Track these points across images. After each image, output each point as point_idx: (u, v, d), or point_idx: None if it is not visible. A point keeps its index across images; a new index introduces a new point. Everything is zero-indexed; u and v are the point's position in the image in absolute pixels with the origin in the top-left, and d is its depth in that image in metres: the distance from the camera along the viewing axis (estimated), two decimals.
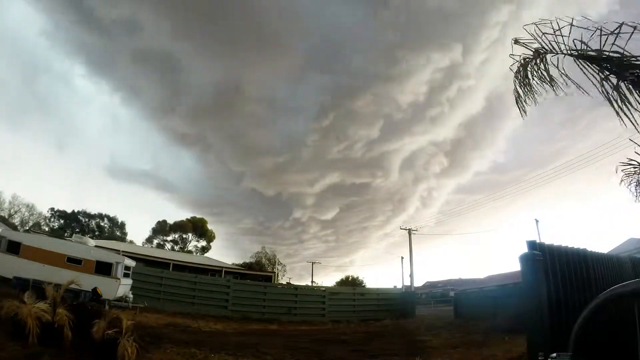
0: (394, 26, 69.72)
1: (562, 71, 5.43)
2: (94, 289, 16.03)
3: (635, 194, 7.83)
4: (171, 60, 78.64)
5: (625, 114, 4.73)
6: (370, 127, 78.54)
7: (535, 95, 5.78)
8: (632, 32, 4.65)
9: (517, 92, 5.97)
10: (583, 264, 6.85)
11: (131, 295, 18.96)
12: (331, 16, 78.62)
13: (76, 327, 9.19)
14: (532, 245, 6.02)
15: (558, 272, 6.00)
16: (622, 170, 7.81)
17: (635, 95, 4.84)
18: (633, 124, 4.72)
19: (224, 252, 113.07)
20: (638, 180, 7.52)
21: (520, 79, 5.90)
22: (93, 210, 68.87)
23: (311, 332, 20.75)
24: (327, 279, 75.51)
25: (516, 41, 5.69)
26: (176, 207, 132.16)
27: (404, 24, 69.87)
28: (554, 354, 3.04)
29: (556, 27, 5.35)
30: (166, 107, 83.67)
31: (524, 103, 5.95)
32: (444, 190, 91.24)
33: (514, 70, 5.95)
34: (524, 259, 5.78)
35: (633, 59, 4.84)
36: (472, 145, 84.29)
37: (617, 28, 4.58)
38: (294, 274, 67.42)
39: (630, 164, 7.52)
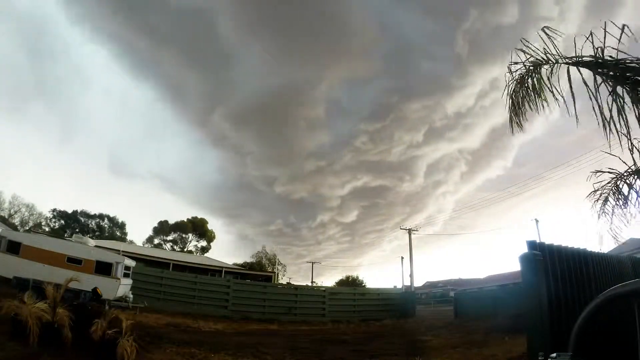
0: (468, 39, 69.99)
1: (551, 82, 5.51)
2: (94, 289, 16.03)
3: (602, 211, 7.72)
4: (229, 58, 79.49)
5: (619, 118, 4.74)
6: (416, 133, 78.86)
7: (535, 107, 5.80)
8: (621, 34, 4.67)
9: (513, 107, 5.99)
10: (583, 264, 6.84)
11: (131, 295, 18.95)
12: (410, 24, 79.60)
13: (76, 327, 9.17)
14: (532, 245, 6.01)
15: (558, 272, 5.99)
16: (593, 185, 7.69)
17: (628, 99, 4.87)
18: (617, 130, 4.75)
19: (236, 252, 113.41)
20: (612, 192, 7.40)
21: (516, 94, 5.93)
22: (96, 210, 69.13)
23: (311, 332, 20.75)
24: (335, 279, 75.58)
25: (514, 62, 5.73)
26: (189, 208, 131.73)
27: (477, 37, 70.14)
28: (554, 354, 3.03)
29: (553, 37, 5.42)
30: (208, 108, 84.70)
31: (521, 117, 5.97)
32: (458, 195, 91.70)
33: (510, 88, 5.99)
34: (524, 259, 5.77)
35: (629, 61, 4.85)
36: (491, 154, 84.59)
37: (622, 31, 4.60)
38: (303, 275, 67.10)
39: (606, 172, 7.41)
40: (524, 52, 5.58)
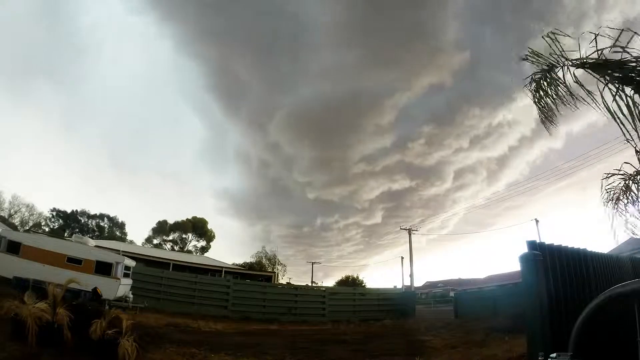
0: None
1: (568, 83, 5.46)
2: (94, 289, 16.04)
3: (616, 209, 7.78)
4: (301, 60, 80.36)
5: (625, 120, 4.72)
6: (463, 139, 78.92)
7: (555, 110, 5.77)
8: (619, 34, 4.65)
9: (540, 110, 5.97)
10: (583, 264, 6.85)
11: (131, 295, 18.96)
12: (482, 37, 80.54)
13: (76, 327, 9.18)
14: (532, 245, 6.02)
15: (558, 272, 6.00)
16: (606, 187, 7.77)
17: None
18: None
19: (240, 251, 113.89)
20: (623, 190, 7.47)
21: (538, 97, 5.89)
22: (101, 210, 69.22)
23: (311, 332, 20.73)
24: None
25: (525, 57, 5.69)
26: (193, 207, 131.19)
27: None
28: (554, 354, 3.04)
29: (564, 41, 5.40)
30: (262, 110, 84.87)
31: (549, 121, 5.94)
32: (474, 200, 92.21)
33: (532, 91, 5.95)
34: (524, 258, 5.78)
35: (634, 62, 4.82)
36: (509, 163, 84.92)
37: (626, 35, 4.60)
38: (314, 276, 66.96)
39: (617, 174, 7.49)
40: (530, 59, 5.58)
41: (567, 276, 6.18)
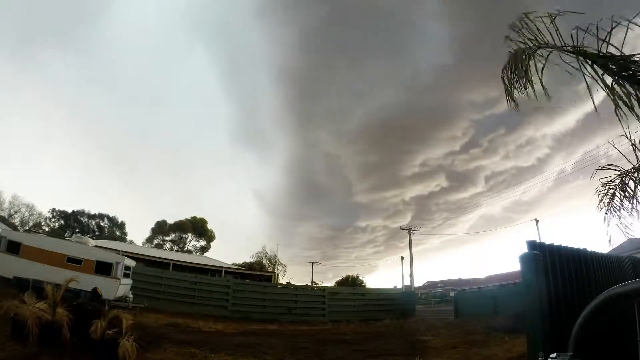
0: None
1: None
2: (94, 289, 16.05)
3: (610, 206, 7.75)
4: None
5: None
6: (511, 147, 78.62)
7: (526, 88, 5.72)
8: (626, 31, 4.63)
9: (505, 84, 5.91)
10: (583, 264, 6.86)
11: (131, 295, 18.96)
12: None
13: (76, 327, 9.18)
14: (532, 245, 6.02)
15: (558, 272, 6.00)
16: (600, 180, 7.74)
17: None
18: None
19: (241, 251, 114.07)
20: (619, 187, 7.44)
21: (509, 72, 5.85)
22: (100, 210, 69.13)
23: (311, 332, 20.74)
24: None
25: (507, 37, 5.67)
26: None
27: None
28: (554, 354, 3.04)
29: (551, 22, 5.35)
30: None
31: (511, 95, 5.90)
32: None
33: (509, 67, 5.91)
34: (524, 258, 5.79)
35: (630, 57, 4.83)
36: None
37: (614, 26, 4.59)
38: (332, 277, 66.21)
39: (611, 168, 7.46)
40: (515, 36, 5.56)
41: (567, 276, 6.19)
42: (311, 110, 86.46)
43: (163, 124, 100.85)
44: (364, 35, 78.36)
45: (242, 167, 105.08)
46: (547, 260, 5.91)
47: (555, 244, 6.65)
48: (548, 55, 5.38)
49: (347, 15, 75.31)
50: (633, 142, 6.02)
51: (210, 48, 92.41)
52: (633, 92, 5.20)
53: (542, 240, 6.81)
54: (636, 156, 6.27)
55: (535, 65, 5.57)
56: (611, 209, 7.63)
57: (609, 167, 7.42)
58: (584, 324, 3.00)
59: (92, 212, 68.08)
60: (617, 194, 7.51)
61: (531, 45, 5.55)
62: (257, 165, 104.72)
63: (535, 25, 5.49)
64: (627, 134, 5.79)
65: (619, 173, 7.22)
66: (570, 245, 7.09)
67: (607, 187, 7.58)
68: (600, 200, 7.73)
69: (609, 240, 7.60)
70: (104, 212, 69.40)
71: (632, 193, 7.20)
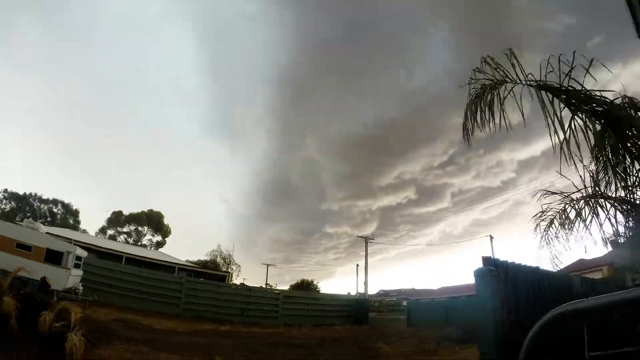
0: None
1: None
2: (43, 279, 15.27)
3: (547, 232, 8.10)
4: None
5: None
6: (484, 171, 79.50)
7: (488, 124, 6.09)
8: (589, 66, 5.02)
9: (468, 120, 6.28)
10: (536, 282, 7.18)
11: (81, 287, 18.10)
12: None
13: (23, 318, 8.81)
14: (488, 261, 6.30)
15: (511, 288, 6.28)
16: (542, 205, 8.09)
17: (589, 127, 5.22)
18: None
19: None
20: (560, 214, 7.78)
21: (473, 109, 6.21)
22: (55, 195, 65.45)
23: (264, 335, 20.62)
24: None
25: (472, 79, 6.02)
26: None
27: None
28: None
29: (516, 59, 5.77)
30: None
31: (470, 131, 6.25)
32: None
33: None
34: (479, 273, 6.05)
35: (590, 92, 5.26)
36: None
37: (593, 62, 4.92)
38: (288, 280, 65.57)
39: (556, 193, 7.82)
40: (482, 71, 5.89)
41: (520, 292, 6.47)
42: (297, 115, 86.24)
43: (134, 111, 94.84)
44: (363, 51, 78.75)
45: (213, 164, 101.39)
46: (501, 276, 6.13)
47: (509, 261, 6.93)
48: (512, 89, 5.83)
49: (350, 29, 75.96)
50: (581, 174, 6.33)
51: (198, 36, 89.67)
52: (590, 125, 5.66)
53: (497, 257, 7.06)
54: (583, 184, 6.65)
55: (499, 98, 6.02)
56: (546, 235, 7.99)
57: (553, 192, 7.80)
58: (534, 338, 3.12)
59: (45, 197, 64.95)
60: (555, 221, 7.85)
61: (496, 81, 5.98)
62: (229, 162, 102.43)
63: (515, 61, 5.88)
64: (580, 161, 6.13)
65: (560, 198, 7.57)
66: (523, 264, 7.38)
67: (547, 214, 7.93)
68: (537, 225, 8.08)
69: (552, 262, 7.91)
70: (59, 197, 66.08)
71: (571, 221, 7.55)
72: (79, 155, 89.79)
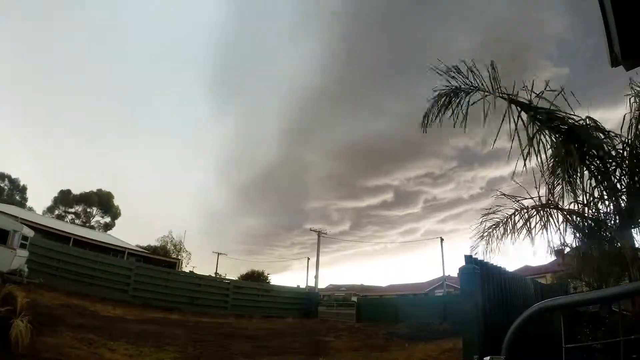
0: None
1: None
2: None
3: (489, 233, 8.51)
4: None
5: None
6: (461, 184, 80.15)
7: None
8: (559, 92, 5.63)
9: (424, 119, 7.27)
10: (504, 280, 7.63)
11: (26, 269, 16.86)
12: None
13: None
14: (470, 259, 6.78)
15: (491, 285, 6.74)
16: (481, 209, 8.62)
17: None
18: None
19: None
20: (509, 219, 8.18)
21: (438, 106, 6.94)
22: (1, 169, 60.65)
23: (214, 325, 20.38)
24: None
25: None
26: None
27: None
28: (488, 357, 3.26)
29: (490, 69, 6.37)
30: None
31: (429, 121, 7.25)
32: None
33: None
34: (464, 270, 6.48)
35: (558, 112, 6.13)
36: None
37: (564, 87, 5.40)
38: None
39: (509, 196, 8.28)
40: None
41: (496, 289, 6.89)
42: (297, 115, 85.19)
43: (114, 81, 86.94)
44: (376, 66, 78.44)
45: (194, 146, 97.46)
46: (483, 274, 6.54)
47: (484, 261, 7.46)
48: (484, 97, 6.41)
49: (365, 44, 75.35)
50: (537, 186, 6.81)
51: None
52: (554, 140, 6.18)
53: (475, 257, 7.45)
54: (537, 193, 7.30)
55: (468, 102, 6.65)
56: (489, 235, 8.42)
57: (507, 195, 8.24)
58: (516, 331, 3.25)
59: None
60: (502, 224, 8.26)
61: (465, 87, 6.62)
62: (213, 148, 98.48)
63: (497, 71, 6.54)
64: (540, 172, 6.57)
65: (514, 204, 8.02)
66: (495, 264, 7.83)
67: (489, 215, 8.38)
68: (481, 222, 8.53)
69: (484, 257, 8.36)
70: (5, 172, 60.95)
71: (514, 226, 7.98)
72: (34, 123, 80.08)
